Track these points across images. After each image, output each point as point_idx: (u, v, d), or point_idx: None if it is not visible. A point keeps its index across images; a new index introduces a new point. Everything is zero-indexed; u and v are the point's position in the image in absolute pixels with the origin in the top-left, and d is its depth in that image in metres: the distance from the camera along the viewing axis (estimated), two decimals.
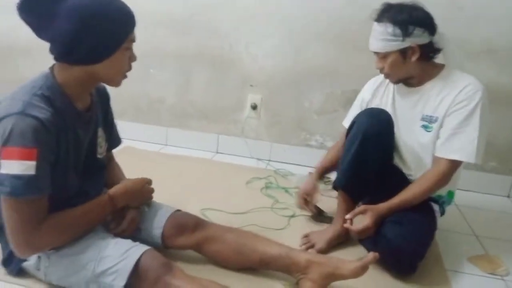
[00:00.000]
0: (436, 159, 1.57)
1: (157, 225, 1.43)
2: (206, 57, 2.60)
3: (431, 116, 1.58)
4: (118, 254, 1.19)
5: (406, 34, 1.49)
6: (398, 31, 1.49)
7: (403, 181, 1.64)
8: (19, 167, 1.06)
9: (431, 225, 1.62)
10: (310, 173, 1.98)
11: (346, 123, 1.80)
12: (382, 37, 1.52)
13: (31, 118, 1.06)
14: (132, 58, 1.23)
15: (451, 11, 2.19)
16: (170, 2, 2.55)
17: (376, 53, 1.58)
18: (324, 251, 1.63)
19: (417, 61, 1.54)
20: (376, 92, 1.77)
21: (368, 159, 1.59)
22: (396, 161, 1.71)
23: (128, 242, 1.25)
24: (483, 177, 2.40)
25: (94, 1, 1.12)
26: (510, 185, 2.41)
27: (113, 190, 1.34)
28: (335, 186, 1.71)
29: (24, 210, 1.10)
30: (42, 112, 1.09)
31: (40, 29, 1.13)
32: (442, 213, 1.71)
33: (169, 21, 2.58)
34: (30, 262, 1.28)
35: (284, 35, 2.47)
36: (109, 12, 1.13)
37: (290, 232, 1.77)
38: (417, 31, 1.50)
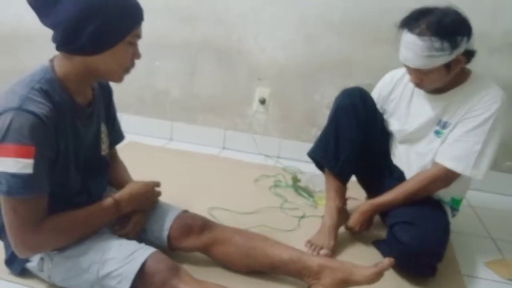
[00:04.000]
0: (435, 162, 1.53)
1: (164, 227, 1.39)
2: (213, 48, 2.53)
3: (445, 122, 1.52)
4: (123, 257, 1.16)
5: (454, 46, 1.36)
6: (446, 45, 1.35)
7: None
8: (15, 165, 1.02)
9: (445, 222, 1.57)
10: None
11: None
12: (427, 54, 1.36)
13: (29, 114, 1.03)
14: (136, 55, 1.18)
15: (469, 3, 2.11)
16: None
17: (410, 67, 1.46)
18: (335, 246, 1.60)
19: None
20: (394, 90, 1.69)
21: (342, 129, 1.64)
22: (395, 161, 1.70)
23: (133, 244, 1.21)
24: (498, 177, 2.33)
25: None
26: None
27: (118, 195, 1.30)
28: (317, 163, 1.78)
29: (21, 210, 1.07)
30: (40, 107, 1.05)
31: (44, 14, 1.09)
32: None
33: (175, 9, 2.50)
34: (33, 263, 1.25)
35: (295, 25, 2.39)
36: (115, 2, 1.09)
37: (300, 233, 1.72)
38: (463, 39, 1.38)
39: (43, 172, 1.07)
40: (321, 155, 1.72)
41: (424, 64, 1.39)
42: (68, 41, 1.09)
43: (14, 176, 1.02)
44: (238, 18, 2.45)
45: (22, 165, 1.02)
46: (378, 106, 1.72)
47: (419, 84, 1.50)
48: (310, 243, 1.63)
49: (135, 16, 1.14)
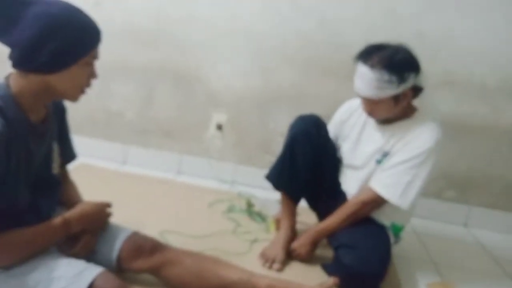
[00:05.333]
0: (366, 187, 1.63)
1: (113, 247, 1.37)
2: (171, 73, 2.57)
3: (386, 152, 1.63)
4: (70, 275, 1.13)
5: (401, 80, 1.48)
6: (394, 78, 1.47)
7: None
8: None
9: (385, 245, 1.65)
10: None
11: None
12: (376, 85, 1.49)
13: None
14: (93, 75, 1.20)
15: (413, 41, 2.26)
16: (137, 15, 2.51)
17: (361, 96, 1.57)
18: (285, 259, 1.70)
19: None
20: (350, 118, 1.79)
21: (297, 153, 1.72)
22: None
23: (81, 263, 1.19)
24: (441, 206, 2.46)
25: (62, 11, 1.10)
26: (466, 215, 2.47)
27: (68, 214, 1.27)
28: (274, 185, 1.84)
29: None
30: None
31: (3, 33, 1.09)
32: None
33: (135, 33, 2.54)
34: None
35: (252, 56, 2.47)
36: (74, 24, 1.11)
37: (252, 256, 1.74)
38: (411, 75, 1.51)
39: None
40: (277, 178, 1.80)
41: (373, 94, 1.51)
42: (26, 59, 1.10)
43: None
44: (197, 45, 2.50)
45: None
46: (336, 131, 1.81)
47: (370, 112, 1.60)
48: (263, 255, 1.71)
49: (93, 38, 1.16)
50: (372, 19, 2.31)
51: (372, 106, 1.57)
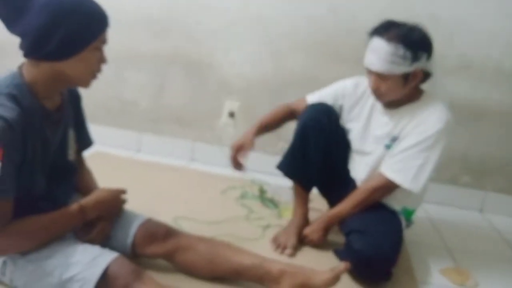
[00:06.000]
0: (377, 173, 1.62)
1: (128, 234, 1.40)
2: (183, 60, 2.58)
3: (395, 136, 1.61)
4: (86, 261, 1.16)
5: (415, 58, 1.47)
6: (409, 54, 1.45)
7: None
8: None
9: (397, 229, 1.64)
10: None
11: (310, 98, 1.84)
12: (390, 58, 1.46)
13: None
14: (103, 59, 1.21)
15: (426, 25, 2.23)
16: (149, 3, 2.52)
17: (372, 71, 1.54)
18: (297, 244, 1.71)
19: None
20: (358, 101, 1.75)
21: (308, 143, 1.70)
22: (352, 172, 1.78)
23: (97, 249, 1.22)
24: (456, 191, 2.44)
25: None
26: (482, 200, 2.44)
27: (84, 201, 1.30)
28: (285, 174, 1.82)
29: None
30: (8, 111, 1.06)
31: (12, 23, 1.12)
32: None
33: (147, 22, 2.55)
34: None
35: (264, 42, 2.47)
36: (81, 10, 1.12)
37: (264, 242, 1.76)
38: (424, 55, 1.49)
39: (11, 175, 1.08)
40: (289, 168, 1.79)
41: (386, 68, 1.49)
42: (36, 48, 1.11)
43: None
44: (208, 32, 2.50)
45: None
46: (334, 102, 1.77)
47: (376, 90, 1.57)
48: (275, 240, 1.73)
49: (101, 22, 1.17)
50: (384, 3, 2.27)
51: (380, 84, 1.54)
